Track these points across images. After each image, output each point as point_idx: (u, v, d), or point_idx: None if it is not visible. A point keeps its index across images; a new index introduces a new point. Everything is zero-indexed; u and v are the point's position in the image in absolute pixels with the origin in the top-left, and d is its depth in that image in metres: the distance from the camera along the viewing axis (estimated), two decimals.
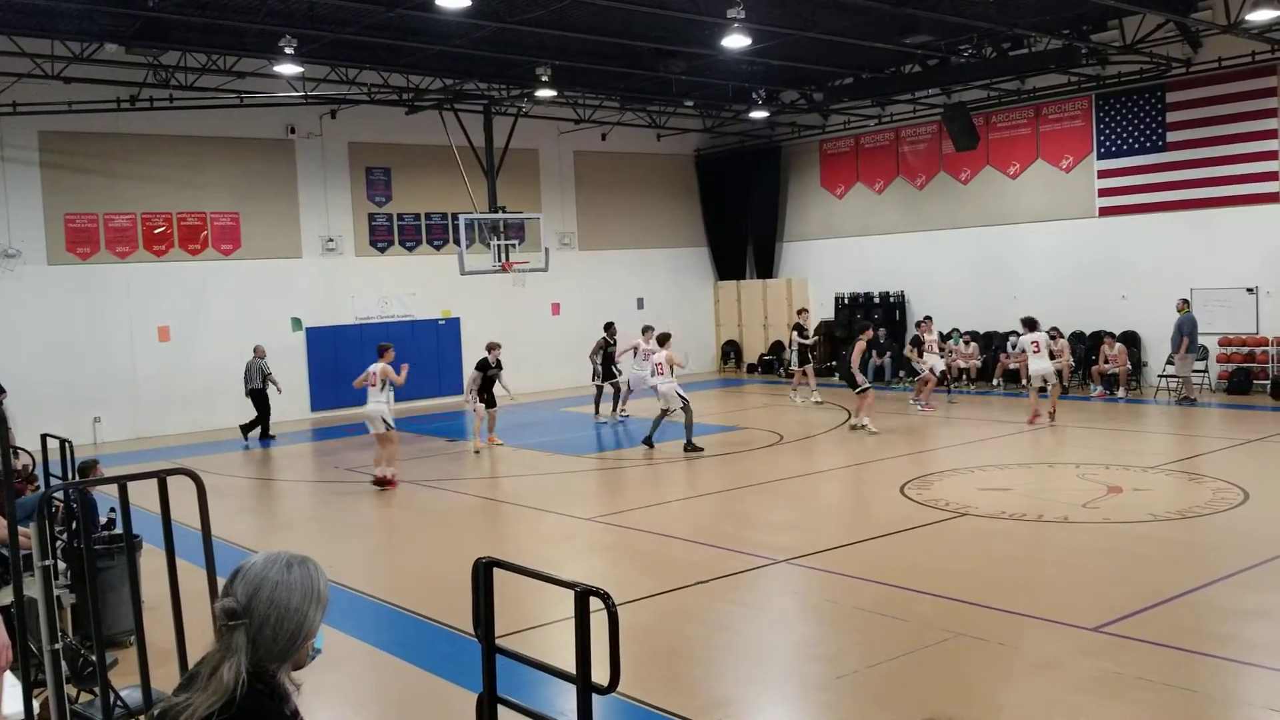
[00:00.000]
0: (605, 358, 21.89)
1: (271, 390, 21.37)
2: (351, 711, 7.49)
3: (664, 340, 18.61)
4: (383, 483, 15.33)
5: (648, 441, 17.70)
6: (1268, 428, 16.42)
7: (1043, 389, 18.83)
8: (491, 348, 19.07)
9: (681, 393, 17.52)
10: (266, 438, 21.21)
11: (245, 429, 21.23)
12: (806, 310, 24.25)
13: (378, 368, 15.54)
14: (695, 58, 21.20)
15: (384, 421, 15.33)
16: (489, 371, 18.80)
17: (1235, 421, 18.53)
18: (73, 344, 21.39)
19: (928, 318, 23.23)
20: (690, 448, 17.07)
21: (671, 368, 17.71)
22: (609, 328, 22.30)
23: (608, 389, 22.11)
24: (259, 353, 21.56)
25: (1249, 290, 21.25)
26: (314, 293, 24.47)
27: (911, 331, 26.64)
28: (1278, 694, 7.02)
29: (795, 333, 23.00)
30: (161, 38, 18.50)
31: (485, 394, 18.80)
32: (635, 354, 21.44)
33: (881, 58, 22.61)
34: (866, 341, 19.71)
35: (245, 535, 12.49)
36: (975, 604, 8.92)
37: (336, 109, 23.90)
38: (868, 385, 18.93)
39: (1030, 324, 19.12)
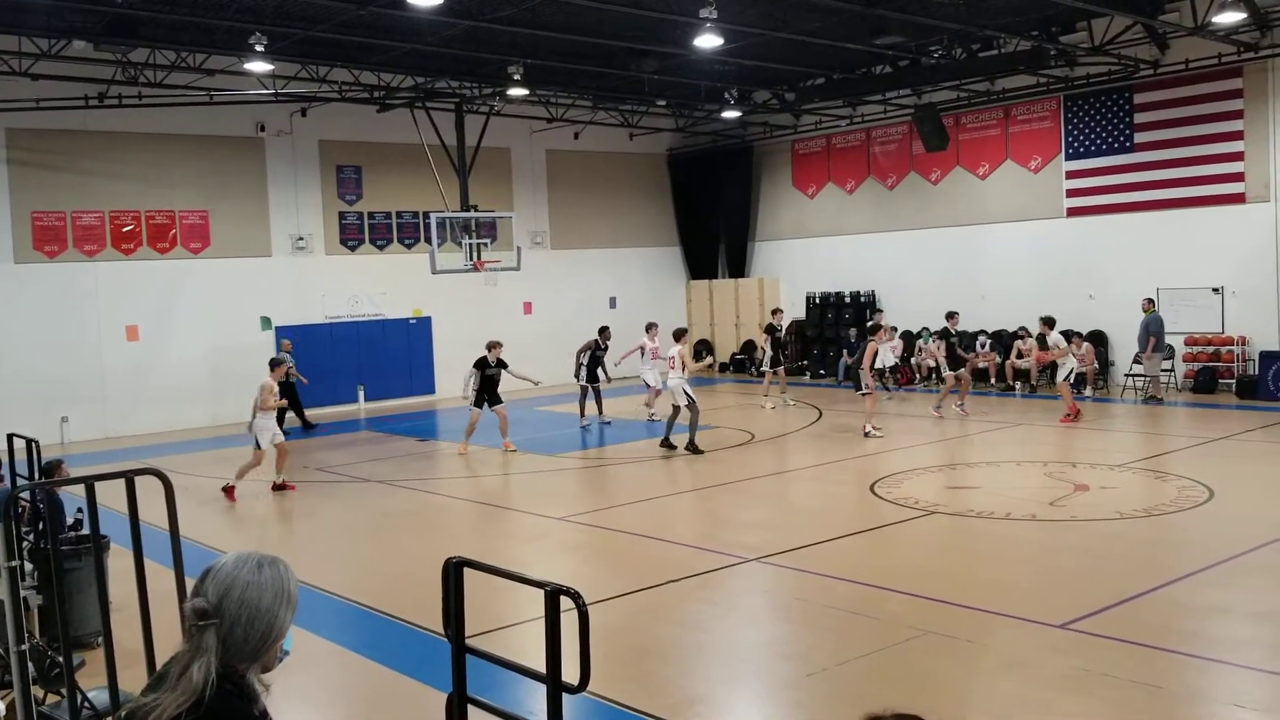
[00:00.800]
0: (592, 359, 21.27)
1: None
2: (321, 712, 7.47)
3: (679, 335, 18.15)
4: (280, 487, 15.44)
5: (666, 443, 17.32)
6: (1233, 426, 16.61)
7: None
8: (492, 346, 18.37)
9: (689, 390, 17.25)
10: (309, 427, 21.85)
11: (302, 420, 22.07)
12: (781, 310, 24.16)
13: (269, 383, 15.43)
14: (668, 57, 21.22)
15: (270, 434, 15.34)
16: (487, 370, 18.14)
17: (1201, 420, 18.72)
18: (40, 343, 21.20)
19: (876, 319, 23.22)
20: (692, 448, 16.93)
21: (684, 364, 17.36)
22: (603, 332, 21.74)
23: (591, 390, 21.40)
24: (285, 347, 21.91)
25: (1215, 290, 21.46)
26: (284, 291, 24.33)
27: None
28: (1241, 689, 7.11)
29: (768, 334, 22.73)
30: (130, 34, 18.35)
31: (487, 394, 18.15)
32: (642, 354, 21.22)
33: (853, 58, 22.70)
34: (877, 344, 19.16)
35: (213, 536, 12.42)
36: (944, 602, 8.98)
37: (307, 107, 23.77)
38: (872, 389, 18.55)
39: (1050, 322, 19.63)
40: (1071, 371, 19.07)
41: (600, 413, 21.36)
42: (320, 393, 23.85)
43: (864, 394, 18.50)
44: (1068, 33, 20.82)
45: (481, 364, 18.26)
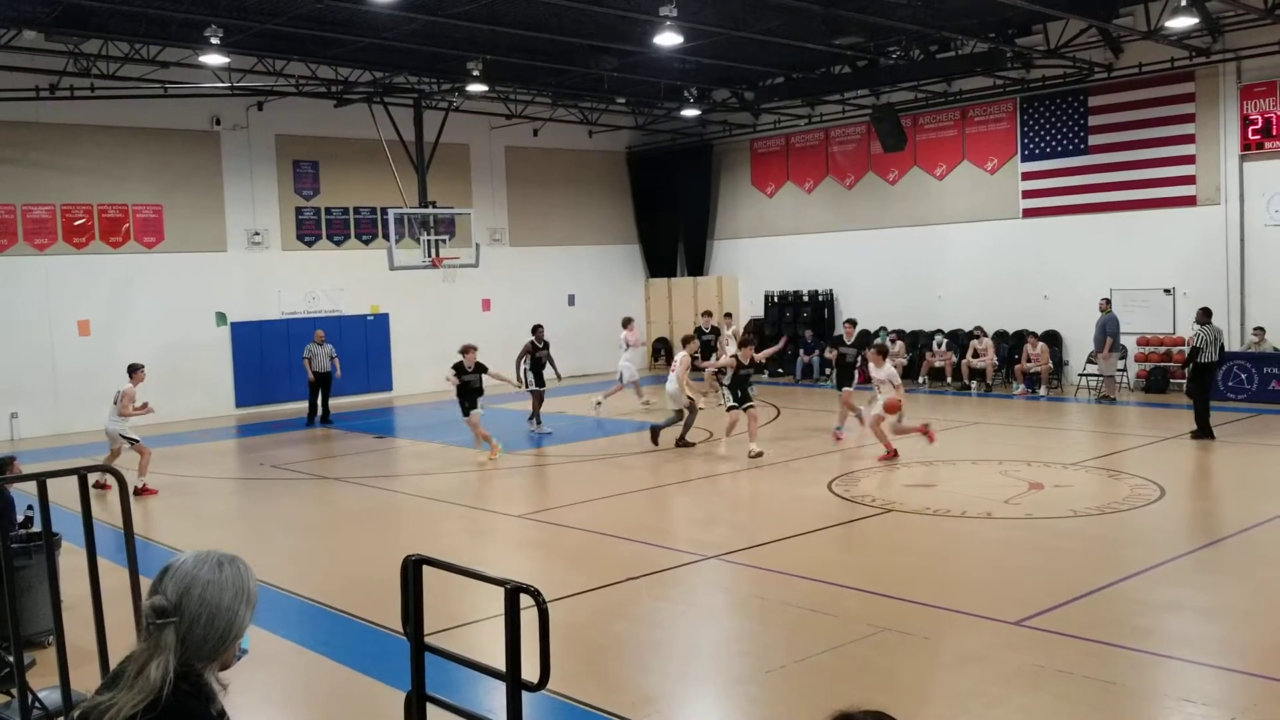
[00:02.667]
0: (534, 363, 20.01)
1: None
2: (279, 711, 7.41)
3: (686, 341, 18.44)
4: (140, 491, 14.72)
5: (683, 443, 17.25)
6: (1183, 426, 16.82)
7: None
8: (466, 350, 17.39)
9: (690, 394, 17.49)
10: (326, 421, 21.99)
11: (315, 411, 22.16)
12: (730, 315, 23.66)
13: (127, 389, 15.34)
14: (627, 55, 21.21)
15: (123, 438, 15.24)
16: (464, 376, 17.28)
17: (1152, 420, 18.96)
18: None
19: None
20: (682, 442, 17.20)
21: (683, 369, 17.51)
22: (537, 330, 20.54)
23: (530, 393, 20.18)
24: (319, 338, 22.06)
25: (1166, 291, 21.74)
26: (239, 287, 24.09)
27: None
28: (1192, 685, 7.22)
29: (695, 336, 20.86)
30: (82, 25, 18.09)
31: (467, 400, 17.25)
32: (626, 348, 21.05)
33: (812, 58, 22.79)
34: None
35: (168, 534, 12.28)
36: (901, 599, 9.04)
37: (263, 101, 23.54)
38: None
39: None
40: (881, 411, 15.70)
41: (538, 421, 19.86)
42: (276, 390, 23.66)
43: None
44: (1024, 35, 21.04)
45: (459, 369, 17.27)
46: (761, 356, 18.22)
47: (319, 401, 22.15)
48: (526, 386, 19.94)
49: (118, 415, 15.18)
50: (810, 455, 16.31)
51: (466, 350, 17.42)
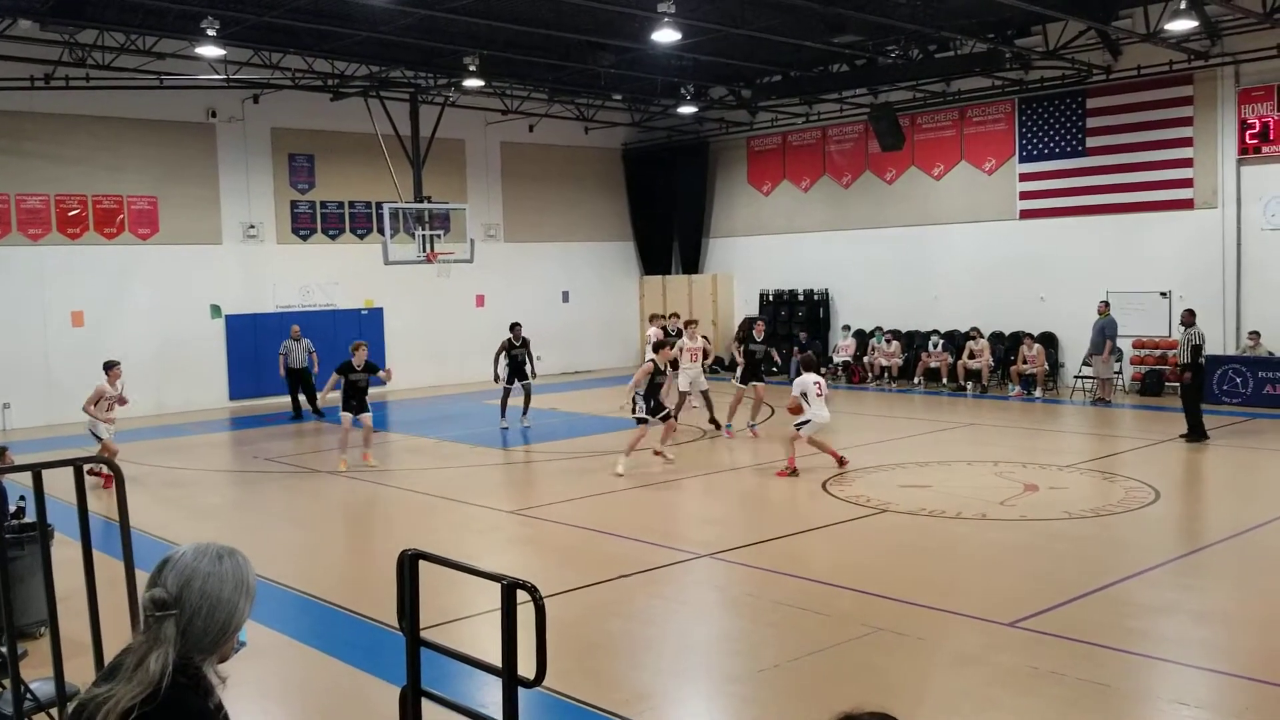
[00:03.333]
0: (511, 360, 19.64)
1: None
2: (274, 705, 7.38)
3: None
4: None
5: (714, 422, 18.50)
6: (1178, 429, 16.83)
7: None
8: (357, 347, 16.59)
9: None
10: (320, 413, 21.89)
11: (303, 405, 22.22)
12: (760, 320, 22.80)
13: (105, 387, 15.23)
14: (624, 51, 21.18)
15: (93, 434, 15.18)
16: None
17: (1147, 422, 18.97)
18: None
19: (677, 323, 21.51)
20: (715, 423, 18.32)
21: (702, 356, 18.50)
22: (514, 328, 20.00)
23: (518, 388, 19.85)
24: (295, 334, 22.07)
25: (1162, 294, 21.76)
26: (234, 280, 24.04)
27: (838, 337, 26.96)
28: (1185, 688, 7.22)
29: (740, 344, 20.04)
30: (77, 15, 18.01)
31: (355, 399, 16.27)
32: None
33: (810, 56, 22.77)
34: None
35: (162, 526, 12.23)
36: (895, 599, 9.04)
37: (259, 93, 23.48)
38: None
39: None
40: (807, 422, 14.58)
41: (524, 413, 19.79)
42: (270, 383, 23.60)
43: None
44: (1023, 36, 21.03)
45: (346, 368, 16.29)
46: (664, 359, 16.26)
47: (299, 397, 22.23)
48: (500, 383, 19.90)
49: (91, 414, 15.20)
50: (804, 455, 16.27)
51: (357, 347, 16.46)
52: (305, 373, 22.05)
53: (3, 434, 19.49)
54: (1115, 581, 9.47)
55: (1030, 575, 9.79)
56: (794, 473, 14.46)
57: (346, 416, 16.19)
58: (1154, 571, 9.82)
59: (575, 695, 7.08)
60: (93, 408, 15.13)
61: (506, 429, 19.44)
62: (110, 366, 15.61)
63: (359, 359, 16.23)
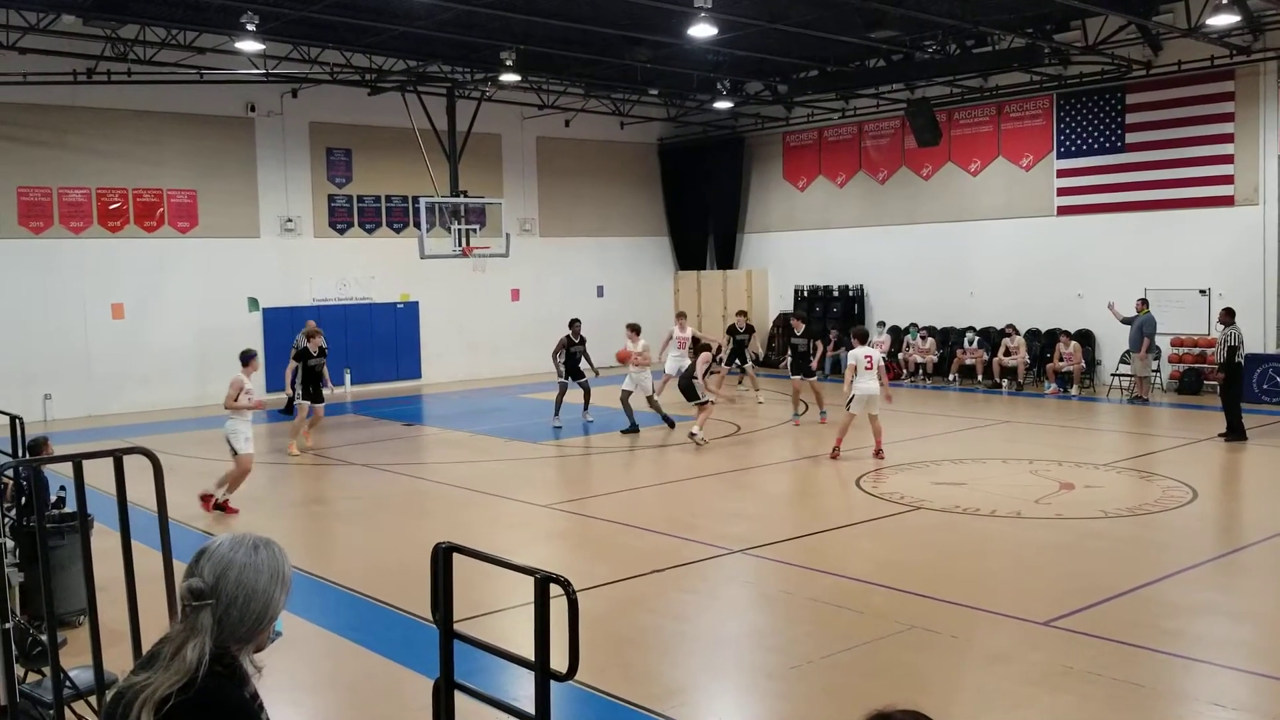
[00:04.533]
0: (569, 357, 19.60)
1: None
2: (308, 695, 7.44)
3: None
4: (220, 507, 13.01)
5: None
6: (1217, 428, 16.65)
7: None
8: (312, 335, 17.64)
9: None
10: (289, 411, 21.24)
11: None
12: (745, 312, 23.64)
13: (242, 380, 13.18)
14: (661, 46, 21.17)
15: (242, 438, 13.04)
16: (309, 361, 17.47)
17: (1186, 421, 18.79)
18: (24, 319, 21.05)
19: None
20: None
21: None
22: (574, 324, 19.97)
23: (575, 387, 19.75)
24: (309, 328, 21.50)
25: (1202, 292, 21.53)
26: (271, 273, 24.23)
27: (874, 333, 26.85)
28: (1223, 689, 7.14)
29: (728, 334, 22.12)
30: (120, 10, 18.22)
31: (311, 386, 17.50)
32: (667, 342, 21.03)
33: (847, 51, 22.68)
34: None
35: (198, 517, 12.37)
36: (928, 597, 9.00)
37: (298, 88, 23.64)
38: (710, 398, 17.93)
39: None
40: (853, 399, 15.35)
41: (585, 408, 19.92)
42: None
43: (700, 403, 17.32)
44: (1062, 31, 20.85)
45: (303, 355, 17.40)
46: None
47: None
48: (561, 379, 19.66)
49: (230, 409, 13.01)
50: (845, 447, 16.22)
51: (312, 334, 17.80)
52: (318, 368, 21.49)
53: (44, 425, 19.72)
54: (1151, 581, 9.39)
55: (1065, 574, 9.72)
56: (835, 454, 15.43)
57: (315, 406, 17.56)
58: (1191, 571, 9.73)
59: (607, 689, 7.09)
60: (234, 402, 12.94)
61: (559, 428, 19.04)
62: (249, 358, 13.60)
63: (315, 345, 17.53)
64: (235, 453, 12.94)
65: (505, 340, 27.03)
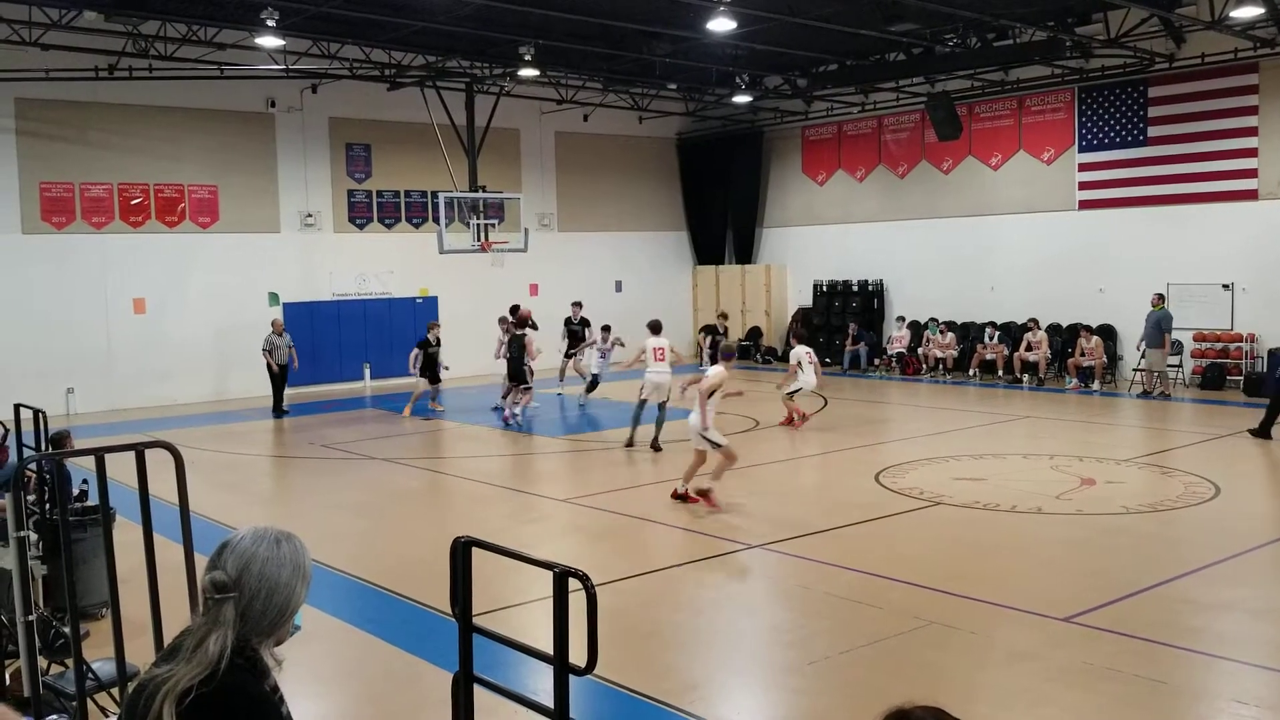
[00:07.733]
0: (571, 335, 20.74)
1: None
2: (327, 688, 7.47)
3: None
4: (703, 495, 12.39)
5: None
6: (1240, 424, 16.55)
7: None
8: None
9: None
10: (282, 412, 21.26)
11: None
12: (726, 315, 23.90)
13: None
14: (679, 40, 21.13)
15: (704, 439, 12.24)
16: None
17: (1208, 417, 18.67)
18: (46, 314, 21.19)
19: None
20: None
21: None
22: (575, 306, 21.45)
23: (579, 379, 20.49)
24: (278, 328, 21.46)
25: (1225, 287, 21.39)
26: (291, 268, 24.32)
27: (892, 327, 26.78)
28: (1245, 686, 7.10)
29: (704, 332, 22.64)
30: (141, 6, 18.29)
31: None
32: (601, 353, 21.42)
33: (866, 45, 22.59)
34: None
35: (220, 510, 12.42)
36: (948, 593, 8.97)
37: (317, 83, 23.70)
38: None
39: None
40: (799, 390, 18.24)
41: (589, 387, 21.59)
42: (327, 370, 23.86)
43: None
44: (1084, 24, 20.71)
45: (425, 344, 20.55)
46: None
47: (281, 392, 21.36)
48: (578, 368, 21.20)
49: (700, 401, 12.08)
50: (857, 447, 16.21)
51: (432, 327, 20.44)
52: (286, 369, 21.21)
53: (66, 418, 19.86)
54: (1173, 578, 9.34)
55: (1086, 570, 9.67)
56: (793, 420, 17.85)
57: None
58: (1213, 568, 9.67)
59: (625, 684, 7.10)
60: (708, 399, 12.11)
61: (561, 394, 21.16)
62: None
63: (434, 335, 20.57)
64: (718, 445, 12.23)
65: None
